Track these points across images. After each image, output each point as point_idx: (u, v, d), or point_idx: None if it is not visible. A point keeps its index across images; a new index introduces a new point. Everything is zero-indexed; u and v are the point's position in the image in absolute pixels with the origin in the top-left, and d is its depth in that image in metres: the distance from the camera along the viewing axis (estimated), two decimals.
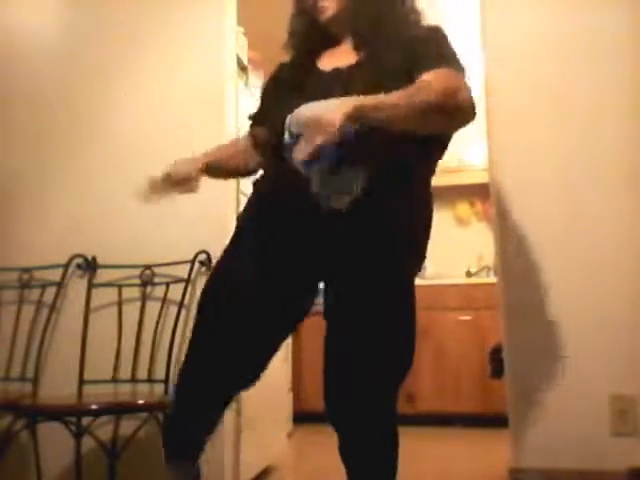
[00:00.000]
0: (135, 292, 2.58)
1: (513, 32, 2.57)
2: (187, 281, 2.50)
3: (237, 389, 1.58)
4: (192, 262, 2.50)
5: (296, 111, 1.35)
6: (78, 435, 2.25)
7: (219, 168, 1.72)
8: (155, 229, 2.61)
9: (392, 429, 1.51)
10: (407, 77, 1.41)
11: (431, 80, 1.38)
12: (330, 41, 1.62)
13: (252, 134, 1.72)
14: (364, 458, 1.49)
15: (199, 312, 1.53)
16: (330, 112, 1.24)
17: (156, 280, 2.56)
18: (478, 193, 4.53)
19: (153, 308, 2.54)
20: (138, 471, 2.45)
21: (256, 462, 2.71)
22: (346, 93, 1.36)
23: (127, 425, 2.44)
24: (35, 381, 2.53)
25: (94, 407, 2.15)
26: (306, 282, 1.54)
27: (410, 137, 1.41)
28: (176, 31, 2.77)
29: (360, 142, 1.34)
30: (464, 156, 4.44)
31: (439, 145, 1.59)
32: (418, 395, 4.03)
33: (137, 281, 2.57)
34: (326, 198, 1.38)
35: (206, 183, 2.60)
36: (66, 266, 2.64)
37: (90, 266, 2.64)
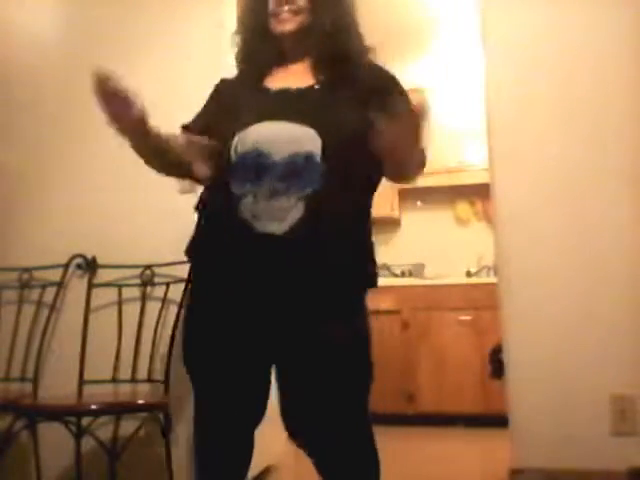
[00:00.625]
0: (135, 292, 2.58)
1: (513, 32, 2.57)
2: (187, 281, 2.49)
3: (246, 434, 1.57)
4: None
5: (247, 132, 1.40)
6: (78, 435, 2.25)
7: (161, 149, 1.54)
8: (155, 229, 2.61)
9: (367, 444, 1.48)
10: (359, 114, 1.41)
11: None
12: (281, 57, 1.57)
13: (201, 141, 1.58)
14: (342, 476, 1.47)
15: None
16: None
17: (156, 280, 2.56)
18: (478, 193, 4.53)
19: (153, 308, 2.54)
20: (138, 471, 2.45)
21: (256, 462, 2.70)
22: (294, 115, 1.38)
23: (127, 425, 2.44)
24: (35, 381, 2.53)
25: (94, 407, 2.15)
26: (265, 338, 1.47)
27: (356, 172, 1.42)
28: (176, 31, 2.77)
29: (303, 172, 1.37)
30: (464, 156, 4.43)
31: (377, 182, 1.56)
32: (418, 395, 4.03)
33: (137, 281, 2.57)
34: (257, 223, 1.37)
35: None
36: (66, 266, 2.64)
37: (90, 266, 2.64)
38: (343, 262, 1.42)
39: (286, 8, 1.51)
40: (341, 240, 1.42)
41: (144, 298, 2.56)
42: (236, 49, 1.61)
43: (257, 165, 1.40)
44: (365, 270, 1.48)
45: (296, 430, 1.50)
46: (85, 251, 2.65)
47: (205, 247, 1.50)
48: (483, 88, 2.62)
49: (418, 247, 4.71)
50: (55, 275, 2.64)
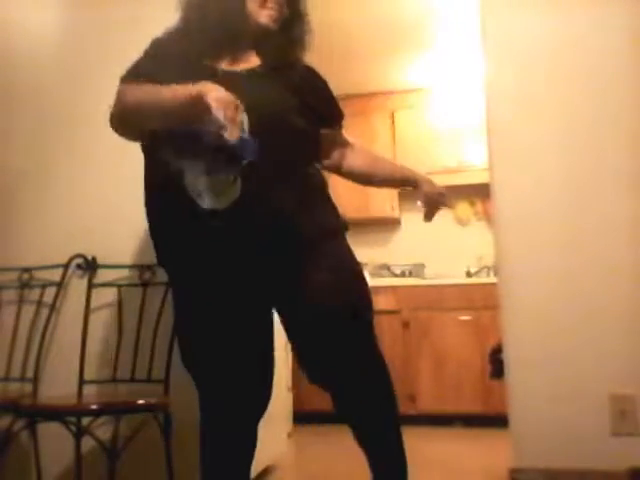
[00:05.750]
0: (135, 292, 2.58)
1: (513, 33, 2.57)
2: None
3: (255, 407, 1.59)
4: None
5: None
6: (78, 435, 2.24)
7: None
8: None
9: (380, 374, 1.56)
10: (293, 104, 1.54)
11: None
12: (234, 43, 1.62)
13: None
14: (361, 411, 1.54)
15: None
16: None
17: (155, 280, 2.56)
18: (478, 193, 4.53)
19: (153, 308, 2.53)
20: (138, 471, 2.45)
21: (256, 462, 2.71)
22: (242, 93, 1.42)
23: (127, 425, 2.44)
24: (35, 381, 2.53)
25: (94, 407, 2.15)
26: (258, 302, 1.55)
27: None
28: None
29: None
30: (464, 156, 4.43)
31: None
32: (418, 395, 4.03)
33: (137, 281, 2.57)
34: (202, 197, 1.41)
35: None
36: (66, 266, 2.64)
37: (90, 266, 2.64)
38: (293, 228, 1.48)
39: (273, 5, 1.59)
40: (283, 207, 1.47)
41: (144, 298, 2.56)
42: (193, 16, 1.67)
43: (193, 141, 1.43)
44: (317, 228, 1.54)
45: (314, 373, 1.54)
46: (85, 251, 2.65)
47: (166, 236, 1.56)
48: (483, 88, 2.62)
49: (418, 247, 4.72)
50: (55, 275, 2.64)
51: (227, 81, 1.45)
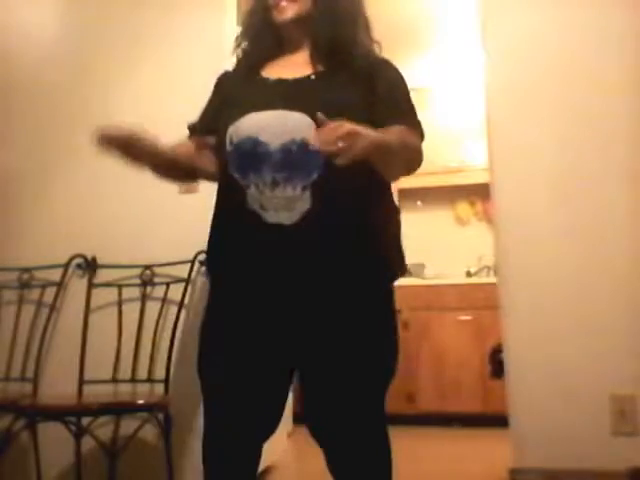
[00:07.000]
0: (135, 292, 2.58)
1: (513, 33, 2.57)
2: (187, 281, 2.50)
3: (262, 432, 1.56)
4: (192, 262, 2.50)
5: (241, 121, 1.39)
6: (78, 435, 2.25)
7: (174, 164, 1.53)
8: (155, 229, 2.61)
9: (382, 438, 1.49)
10: (359, 108, 1.41)
11: (415, 139, 1.44)
12: (281, 48, 1.56)
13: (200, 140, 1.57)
14: (355, 471, 1.46)
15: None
16: (363, 137, 1.21)
17: (156, 280, 2.56)
18: (478, 193, 4.53)
19: (153, 308, 2.54)
20: (138, 471, 2.45)
21: None
22: (290, 102, 1.37)
23: (127, 425, 2.44)
24: (35, 381, 2.53)
25: (94, 407, 2.15)
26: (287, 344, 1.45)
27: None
28: (176, 31, 2.77)
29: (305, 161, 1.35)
30: (464, 156, 4.43)
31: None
32: (418, 395, 4.03)
33: (137, 281, 2.57)
34: (266, 213, 1.36)
35: (207, 182, 2.61)
36: (66, 266, 2.64)
37: (90, 266, 2.64)
38: (360, 251, 1.39)
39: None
40: (354, 226, 1.39)
41: (144, 298, 2.56)
42: (239, 41, 1.60)
43: (254, 154, 1.39)
44: (387, 258, 1.45)
45: (319, 427, 1.50)
46: (85, 251, 2.65)
47: (220, 243, 1.51)
48: (483, 88, 2.62)
49: (418, 247, 4.71)
50: (55, 275, 2.64)
51: (276, 90, 1.43)
